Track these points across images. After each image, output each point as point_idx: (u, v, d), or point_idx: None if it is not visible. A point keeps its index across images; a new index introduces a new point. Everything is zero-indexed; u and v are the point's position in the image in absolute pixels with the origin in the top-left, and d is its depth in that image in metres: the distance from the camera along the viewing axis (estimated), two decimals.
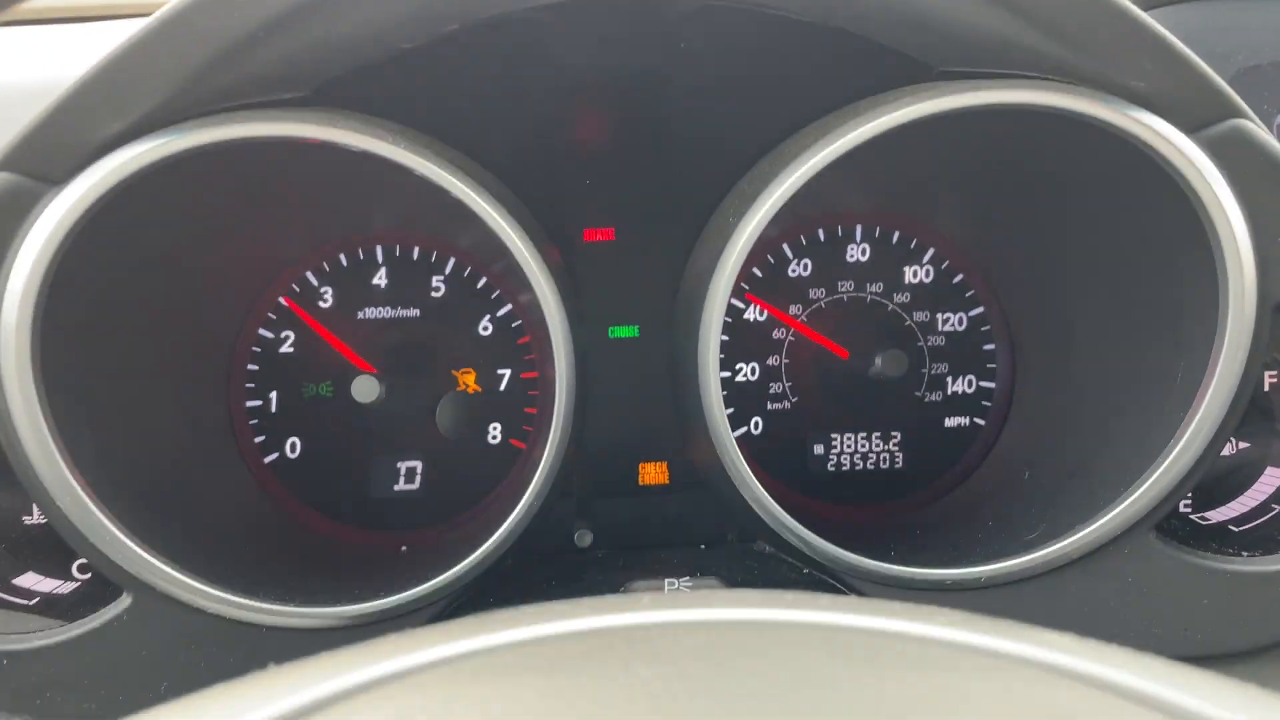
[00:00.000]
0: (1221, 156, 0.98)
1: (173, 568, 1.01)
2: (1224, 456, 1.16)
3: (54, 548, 1.06)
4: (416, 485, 1.36)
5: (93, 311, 1.03)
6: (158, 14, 0.87)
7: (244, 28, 0.88)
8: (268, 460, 1.34)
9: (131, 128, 0.92)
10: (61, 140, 0.92)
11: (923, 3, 0.99)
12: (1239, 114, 0.99)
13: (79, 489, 0.97)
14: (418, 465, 1.36)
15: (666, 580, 0.96)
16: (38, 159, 0.92)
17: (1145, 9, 1.48)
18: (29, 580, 1.09)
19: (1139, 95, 0.97)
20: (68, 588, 1.10)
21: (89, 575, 1.10)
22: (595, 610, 0.52)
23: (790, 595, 0.54)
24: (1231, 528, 1.16)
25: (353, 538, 1.35)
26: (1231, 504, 1.17)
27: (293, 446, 1.35)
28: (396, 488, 1.36)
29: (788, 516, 1.13)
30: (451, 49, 1.11)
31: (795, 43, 1.14)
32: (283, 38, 0.90)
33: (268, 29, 0.88)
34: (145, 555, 1.00)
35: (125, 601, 1.03)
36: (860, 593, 1.16)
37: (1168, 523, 1.10)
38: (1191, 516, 1.17)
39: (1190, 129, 0.98)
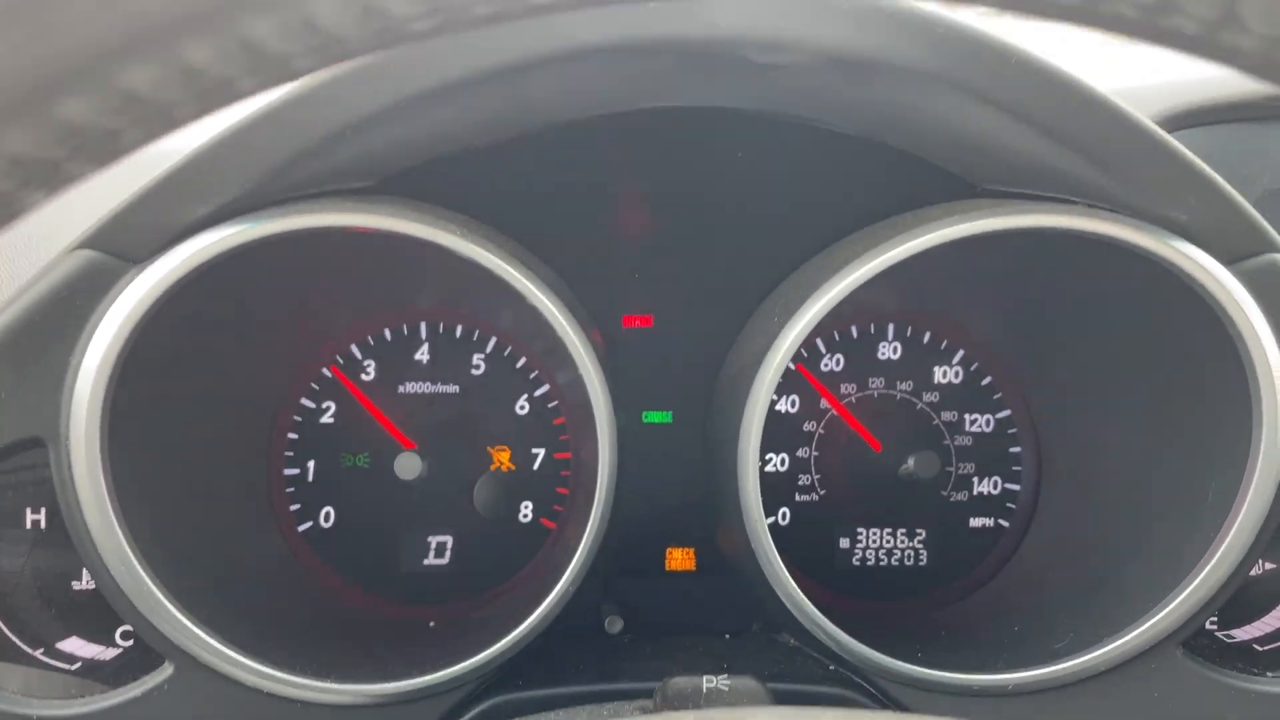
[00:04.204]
0: (1257, 288, 1.02)
1: (216, 639, 1.03)
2: (1250, 575, 1.18)
3: (99, 614, 1.07)
4: (446, 560, 1.38)
5: (156, 385, 1.05)
6: (249, 112, 0.91)
7: (330, 127, 0.92)
8: (301, 529, 1.36)
9: (213, 214, 0.95)
10: (146, 222, 0.95)
11: (973, 129, 1.03)
12: (1275, 248, 1.03)
13: (134, 559, 0.99)
14: (448, 540, 1.38)
15: (704, 677, 0.98)
16: (123, 239, 0.96)
17: (1170, 130, 1.53)
18: (72, 645, 1.10)
19: (1179, 225, 1.01)
20: (110, 654, 1.11)
21: (131, 642, 1.11)
22: None
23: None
24: (1256, 646, 1.18)
25: (381, 609, 1.36)
26: (1257, 623, 1.19)
27: (326, 516, 1.36)
28: (426, 562, 1.37)
29: (819, 614, 1.15)
30: (511, 146, 1.15)
31: (842, 154, 1.19)
32: (365, 137, 0.94)
33: (354, 129, 0.92)
34: (191, 626, 1.02)
35: (167, 670, 1.04)
36: (887, 694, 1.17)
37: (1194, 639, 1.12)
38: (1217, 634, 1.19)
39: (1228, 260, 1.02)
